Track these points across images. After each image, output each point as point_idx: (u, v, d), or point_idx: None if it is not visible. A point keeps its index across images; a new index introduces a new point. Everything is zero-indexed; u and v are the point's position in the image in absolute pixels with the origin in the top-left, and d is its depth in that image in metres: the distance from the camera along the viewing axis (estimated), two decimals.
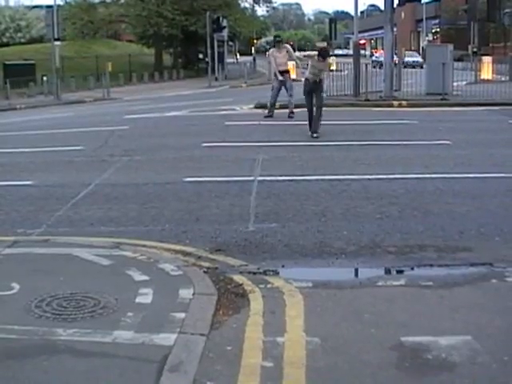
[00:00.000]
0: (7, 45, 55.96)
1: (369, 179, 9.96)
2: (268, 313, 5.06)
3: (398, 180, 9.86)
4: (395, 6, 24.46)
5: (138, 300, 5.15)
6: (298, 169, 10.92)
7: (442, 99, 22.02)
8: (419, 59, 49.55)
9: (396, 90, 24.12)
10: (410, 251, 6.63)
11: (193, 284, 5.49)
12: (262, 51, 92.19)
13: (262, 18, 71.48)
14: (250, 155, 12.10)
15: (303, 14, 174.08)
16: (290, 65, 19.80)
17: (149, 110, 23.39)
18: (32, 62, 41.62)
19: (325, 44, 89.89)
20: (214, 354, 4.35)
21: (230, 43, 67.19)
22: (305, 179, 10.06)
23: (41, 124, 20.53)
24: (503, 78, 26.84)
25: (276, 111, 18.54)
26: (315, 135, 14.30)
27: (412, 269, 6.24)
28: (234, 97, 28.98)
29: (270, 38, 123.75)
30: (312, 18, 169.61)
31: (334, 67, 33.58)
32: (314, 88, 14.70)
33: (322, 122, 14.66)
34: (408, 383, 4.07)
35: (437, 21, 72.99)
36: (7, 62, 40.19)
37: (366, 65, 24.13)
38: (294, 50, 20.64)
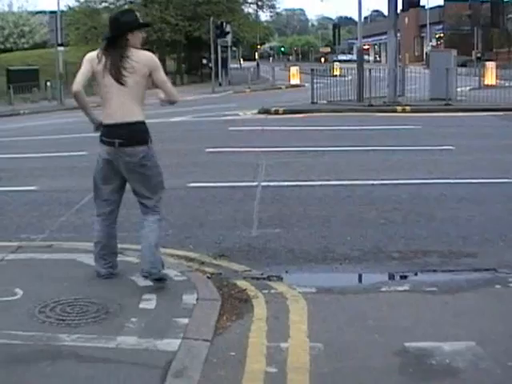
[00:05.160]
0: (11, 50, 56.08)
1: (373, 184, 9.95)
2: (272, 318, 5.06)
3: (401, 185, 9.85)
4: (399, 11, 24.54)
5: (141, 305, 5.15)
6: (301, 174, 10.92)
7: (445, 104, 22.02)
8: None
9: (400, 96, 24.16)
10: (414, 256, 6.62)
11: (196, 289, 5.48)
12: (265, 56, 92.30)
13: (265, 24, 71.40)
14: (254, 160, 12.10)
15: (307, 20, 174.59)
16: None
17: (152, 115, 23.32)
18: (35, 67, 41.66)
19: (329, 49, 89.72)
20: (218, 360, 4.35)
21: (234, 48, 67.33)
22: (308, 185, 10.05)
23: (44, 129, 20.56)
24: (507, 84, 26.80)
25: (279, 117, 18.51)
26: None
27: (416, 274, 6.22)
28: (237, 102, 29.00)
29: (274, 44, 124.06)
30: (316, 23, 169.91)
31: (337, 72, 33.69)
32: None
33: (323, 128, 14.54)
34: None
35: (440, 26, 73.11)
36: (11, 68, 40.24)
37: (370, 70, 24.17)
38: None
